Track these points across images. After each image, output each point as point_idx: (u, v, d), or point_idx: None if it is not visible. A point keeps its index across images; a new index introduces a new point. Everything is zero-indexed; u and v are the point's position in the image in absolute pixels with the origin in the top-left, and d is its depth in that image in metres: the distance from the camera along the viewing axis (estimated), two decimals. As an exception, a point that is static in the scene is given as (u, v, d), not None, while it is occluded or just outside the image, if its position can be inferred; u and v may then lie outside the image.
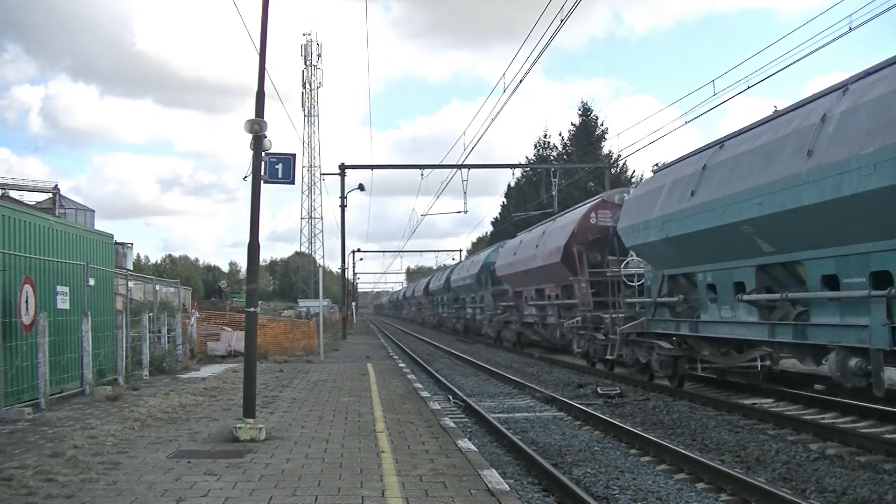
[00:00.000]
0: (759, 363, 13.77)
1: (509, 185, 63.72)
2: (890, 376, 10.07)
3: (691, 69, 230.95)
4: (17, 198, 42.41)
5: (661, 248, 14.05)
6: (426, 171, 35.72)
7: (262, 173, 9.20)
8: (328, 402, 11.99)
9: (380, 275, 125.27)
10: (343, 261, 41.98)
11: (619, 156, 43.27)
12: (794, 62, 19.12)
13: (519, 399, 15.10)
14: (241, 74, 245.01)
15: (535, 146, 59.95)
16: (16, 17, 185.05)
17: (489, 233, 73.06)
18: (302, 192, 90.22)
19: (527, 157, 60.16)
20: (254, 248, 9.15)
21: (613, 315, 17.29)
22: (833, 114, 9.32)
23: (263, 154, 9.16)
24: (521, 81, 19.98)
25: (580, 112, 55.44)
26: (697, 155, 13.60)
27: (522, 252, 26.57)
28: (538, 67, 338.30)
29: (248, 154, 9.10)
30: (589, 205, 22.25)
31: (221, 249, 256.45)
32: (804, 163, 9.50)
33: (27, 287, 11.24)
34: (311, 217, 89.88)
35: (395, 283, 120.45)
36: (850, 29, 13.02)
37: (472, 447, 8.36)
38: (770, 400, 13.07)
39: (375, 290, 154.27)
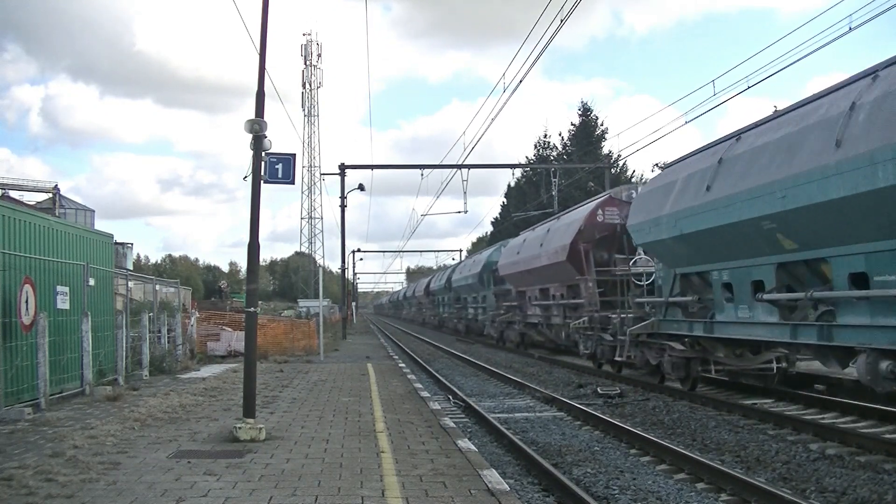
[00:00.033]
0: (774, 365, 13.28)
1: (509, 185, 63.89)
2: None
3: (691, 69, 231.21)
4: (17, 198, 42.40)
5: (674, 245, 13.61)
6: (426, 171, 35.79)
7: (262, 173, 9.20)
8: (328, 402, 11.99)
9: (380, 275, 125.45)
10: (343, 261, 42.03)
11: (619, 156, 43.39)
12: (794, 62, 19.17)
13: (519, 399, 15.10)
14: (241, 74, 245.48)
15: (535, 146, 60.12)
16: (16, 17, 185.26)
17: (489, 233, 73.15)
18: (302, 192, 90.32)
19: (527, 157, 60.25)
20: (254, 248, 9.15)
21: (622, 315, 16.77)
22: (863, 101, 8.86)
23: (263, 154, 9.16)
24: (521, 81, 20.02)
25: (580, 112, 55.62)
26: (712, 148, 13.09)
27: (526, 251, 26.19)
28: (538, 67, 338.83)
29: (248, 154, 9.11)
30: (596, 202, 21.72)
31: (221, 249, 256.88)
32: (832, 154, 9.00)
33: (27, 287, 11.24)
34: (311, 217, 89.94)
35: (395, 283, 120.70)
36: (850, 29, 13.02)
37: (472, 447, 8.36)
38: (770, 400, 13.06)
39: (375, 290, 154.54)
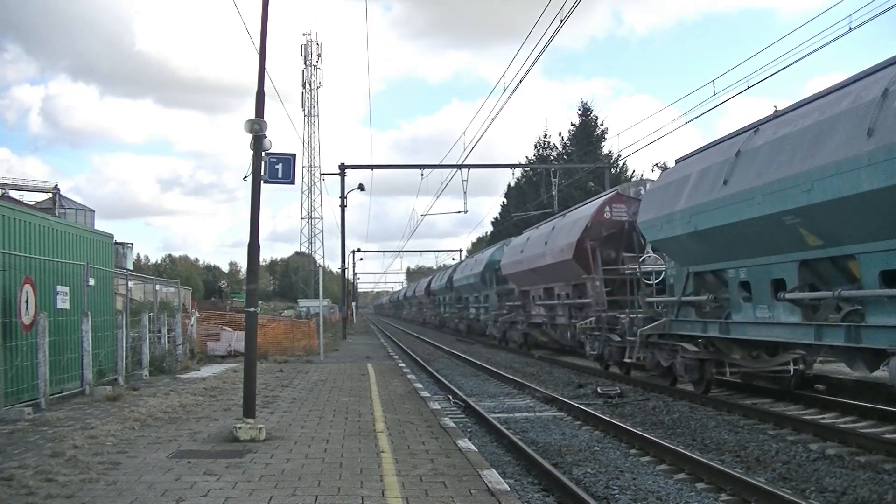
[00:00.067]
0: (791, 367, 12.88)
1: (509, 185, 63.90)
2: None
3: (691, 69, 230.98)
4: (17, 198, 42.36)
5: (688, 242, 13.08)
6: (426, 171, 35.78)
7: (262, 173, 9.20)
8: (328, 402, 11.99)
9: (380, 275, 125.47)
10: (343, 261, 42.04)
11: (619, 156, 43.43)
12: (794, 62, 19.17)
13: (519, 399, 15.11)
14: (241, 74, 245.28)
15: (535, 146, 60.08)
16: (16, 17, 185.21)
17: (489, 233, 73.18)
18: (302, 192, 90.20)
19: (527, 157, 60.25)
20: (254, 248, 9.15)
21: (631, 315, 16.22)
22: None
23: (263, 154, 9.17)
24: (521, 81, 20.03)
25: (580, 112, 55.58)
26: (728, 141, 12.56)
27: (530, 249, 25.70)
28: (538, 67, 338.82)
29: (248, 154, 9.12)
30: (603, 198, 21.08)
31: (221, 249, 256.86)
32: (864, 144, 8.43)
33: (27, 287, 11.24)
34: (311, 217, 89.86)
35: (396, 283, 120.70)
36: (850, 29, 13.01)
37: (472, 447, 8.36)
38: (770, 400, 13.06)
39: (375, 290, 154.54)
